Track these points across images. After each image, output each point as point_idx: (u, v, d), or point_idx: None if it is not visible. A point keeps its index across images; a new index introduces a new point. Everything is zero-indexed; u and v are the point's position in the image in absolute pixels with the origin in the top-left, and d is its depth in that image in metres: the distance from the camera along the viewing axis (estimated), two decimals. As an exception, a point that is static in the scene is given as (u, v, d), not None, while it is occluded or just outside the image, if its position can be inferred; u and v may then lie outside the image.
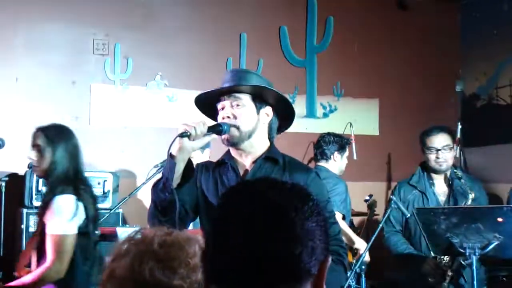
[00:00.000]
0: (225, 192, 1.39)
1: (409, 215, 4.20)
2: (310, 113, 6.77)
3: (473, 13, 7.06)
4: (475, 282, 3.70)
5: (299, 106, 6.56)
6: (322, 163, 5.13)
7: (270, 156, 2.76)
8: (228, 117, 2.70)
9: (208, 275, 1.32)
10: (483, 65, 6.91)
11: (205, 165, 2.85)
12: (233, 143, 2.72)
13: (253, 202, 1.29)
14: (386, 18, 7.05)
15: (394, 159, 6.92)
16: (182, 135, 2.56)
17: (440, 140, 4.45)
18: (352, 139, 6.10)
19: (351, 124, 6.46)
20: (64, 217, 3.41)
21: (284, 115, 2.86)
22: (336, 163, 5.14)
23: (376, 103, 7.03)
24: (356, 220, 6.21)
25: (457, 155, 6.21)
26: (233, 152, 2.80)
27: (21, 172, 5.29)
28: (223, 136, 2.70)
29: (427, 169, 4.54)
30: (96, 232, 3.72)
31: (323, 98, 6.85)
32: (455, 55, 7.22)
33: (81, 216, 3.50)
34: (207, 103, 2.82)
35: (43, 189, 4.47)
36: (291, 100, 2.81)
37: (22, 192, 5.14)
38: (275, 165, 2.76)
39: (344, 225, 4.82)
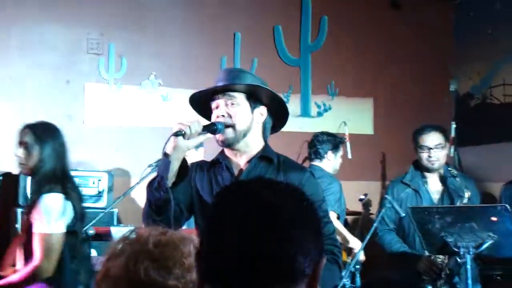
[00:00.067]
0: (219, 192, 1.39)
1: (403, 214, 4.21)
2: (305, 112, 6.78)
3: (467, 12, 7.07)
4: (469, 281, 3.71)
5: (293, 105, 6.56)
6: (316, 163, 5.13)
7: (265, 156, 2.76)
8: (223, 115, 2.69)
9: (202, 274, 1.31)
10: (477, 65, 6.92)
11: (200, 165, 2.85)
12: (228, 143, 2.71)
13: (248, 202, 1.28)
14: (380, 17, 7.06)
15: (389, 158, 6.93)
16: (177, 134, 2.55)
17: (432, 138, 4.46)
18: (346, 138, 6.11)
19: (345, 123, 6.47)
20: (52, 216, 3.41)
21: (278, 115, 2.85)
22: (330, 162, 5.14)
23: (370, 102, 7.04)
24: (351, 219, 6.21)
25: (452, 154, 6.23)
26: (228, 151, 2.80)
27: (15, 171, 5.28)
28: (217, 137, 2.70)
29: (420, 168, 4.55)
30: (91, 232, 3.71)
31: (318, 97, 6.85)
32: (449, 55, 7.23)
33: (69, 214, 3.49)
34: (202, 102, 2.82)
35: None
36: (285, 99, 2.81)
37: (16, 192, 5.13)
38: (269, 164, 2.76)
39: (338, 224, 4.82)
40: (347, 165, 5.79)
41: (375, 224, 4.18)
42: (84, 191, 5.14)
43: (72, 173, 5.18)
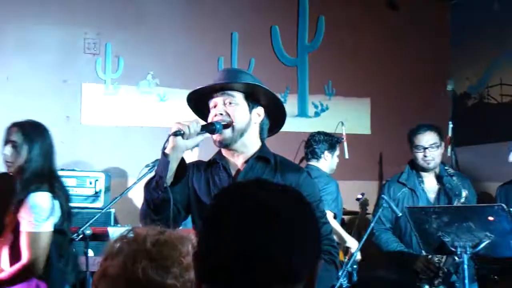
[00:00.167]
0: (217, 193, 1.39)
1: (400, 214, 4.21)
2: (302, 113, 6.78)
3: (463, 12, 7.08)
4: (466, 281, 3.72)
5: (291, 105, 6.57)
6: (313, 162, 5.13)
7: (262, 156, 2.76)
8: (221, 114, 2.69)
9: (199, 274, 1.31)
10: (474, 65, 6.93)
11: (197, 165, 2.85)
12: (226, 144, 2.71)
13: (245, 203, 1.29)
14: (377, 17, 7.06)
15: (386, 158, 6.94)
16: (175, 134, 2.55)
17: (427, 138, 4.46)
18: (343, 138, 6.11)
19: (342, 123, 6.47)
20: (40, 215, 3.40)
21: (276, 116, 2.85)
22: (327, 162, 5.14)
23: (367, 102, 7.04)
24: (348, 218, 6.22)
25: (448, 154, 6.23)
26: (225, 152, 2.79)
27: (12, 171, 5.27)
28: (214, 137, 2.69)
29: (416, 167, 4.56)
30: (88, 232, 3.71)
31: (315, 97, 6.86)
32: (446, 54, 7.24)
33: (57, 213, 3.48)
34: (199, 102, 2.81)
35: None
36: (282, 100, 2.81)
37: (12, 191, 5.11)
38: (267, 165, 2.75)
39: (335, 224, 4.82)
40: (344, 165, 5.79)
41: (372, 224, 4.19)
42: (81, 191, 5.16)
43: (69, 173, 5.23)
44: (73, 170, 5.39)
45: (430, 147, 4.44)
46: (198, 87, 2.76)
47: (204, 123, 2.70)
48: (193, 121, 2.59)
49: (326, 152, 5.13)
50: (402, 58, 7.08)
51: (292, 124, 6.40)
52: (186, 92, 2.82)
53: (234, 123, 2.68)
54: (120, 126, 6.13)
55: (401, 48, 7.09)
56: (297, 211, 1.30)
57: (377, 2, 7.10)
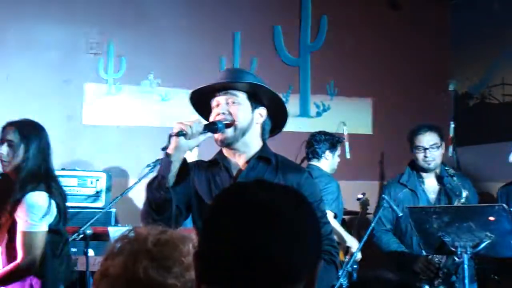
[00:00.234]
0: (217, 194, 1.39)
1: (401, 214, 4.21)
2: (304, 112, 6.78)
3: (464, 12, 7.08)
4: (466, 280, 3.71)
5: (293, 105, 6.57)
6: (314, 162, 5.13)
7: (263, 156, 2.76)
8: (223, 113, 2.69)
9: (199, 275, 1.32)
10: (475, 64, 6.92)
11: (198, 164, 2.85)
12: (228, 143, 2.71)
13: (245, 204, 1.29)
14: (379, 17, 7.06)
15: (387, 158, 6.93)
16: (178, 134, 2.55)
17: (427, 139, 4.46)
18: (344, 138, 6.11)
19: (344, 123, 6.47)
20: (37, 214, 3.39)
21: (277, 117, 2.86)
22: (328, 162, 5.14)
23: (369, 103, 7.04)
24: (348, 218, 6.22)
25: (450, 154, 6.22)
26: (226, 151, 2.79)
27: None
28: (216, 136, 2.69)
29: (416, 168, 4.55)
30: (89, 231, 3.71)
31: (317, 97, 6.86)
32: (447, 55, 7.24)
33: (53, 213, 3.48)
34: (201, 101, 2.81)
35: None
36: (284, 99, 2.82)
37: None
38: (268, 165, 2.76)
39: (335, 224, 4.82)
40: (346, 165, 5.80)
41: (372, 224, 4.19)
42: (82, 191, 5.16)
43: (70, 172, 5.24)
44: (74, 169, 5.40)
45: (431, 148, 4.44)
46: (201, 86, 2.76)
47: (206, 122, 2.70)
48: (195, 121, 2.60)
49: (327, 152, 5.13)
50: (403, 58, 7.07)
51: (294, 124, 6.40)
52: (188, 92, 2.82)
53: (236, 123, 2.68)
54: (121, 126, 6.14)
55: (403, 48, 7.09)
56: (297, 211, 1.30)
57: (379, 3, 7.10)
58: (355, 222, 5.83)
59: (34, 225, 3.39)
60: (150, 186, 2.62)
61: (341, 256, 4.76)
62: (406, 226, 4.39)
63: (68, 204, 4.93)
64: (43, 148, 3.55)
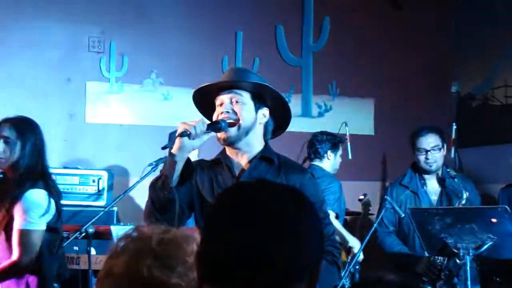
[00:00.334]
0: (219, 193, 1.39)
1: (403, 215, 4.21)
2: (306, 113, 6.78)
3: (467, 13, 7.07)
4: (468, 282, 3.71)
5: (295, 105, 6.56)
6: (316, 162, 5.13)
7: (266, 156, 2.76)
8: (228, 112, 2.69)
9: (201, 274, 1.32)
10: (478, 66, 6.92)
11: (200, 164, 2.85)
12: (230, 142, 2.71)
13: (247, 204, 1.29)
14: (382, 18, 7.05)
15: (389, 159, 6.93)
16: (182, 135, 2.55)
17: (429, 141, 4.46)
18: (347, 139, 6.10)
19: (346, 124, 6.46)
20: (36, 212, 3.39)
21: (280, 119, 2.86)
22: (330, 162, 5.14)
23: (371, 103, 7.04)
24: (350, 219, 6.21)
25: (452, 156, 6.22)
26: (229, 151, 2.80)
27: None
28: (219, 135, 2.70)
29: (418, 170, 4.55)
30: (91, 230, 3.70)
31: (319, 97, 6.85)
32: (450, 56, 7.23)
33: (52, 211, 3.47)
34: (205, 99, 2.82)
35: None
36: (286, 99, 2.82)
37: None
38: (270, 165, 2.76)
39: (337, 224, 4.82)
40: (348, 166, 5.79)
41: (375, 225, 4.18)
42: (84, 189, 5.16)
43: (72, 171, 5.24)
44: (76, 168, 5.40)
45: (432, 150, 4.44)
46: (205, 84, 2.76)
47: (209, 122, 2.70)
48: (199, 121, 2.60)
49: (329, 152, 5.13)
50: (405, 59, 7.07)
51: (296, 124, 6.35)
52: (190, 91, 2.82)
53: (240, 122, 2.69)
54: (124, 124, 6.14)
55: (405, 49, 7.08)
56: (299, 211, 1.30)
57: (382, 3, 7.09)
58: (357, 223, 5.83)
59: (33, 223, 3.38)
60: (153, 186, 2.63)
61: (343, 256, 4.75)
62: (408, 228, 4.39)
63: (70, 202, 4.97)
64: (38, 145, 3.54)
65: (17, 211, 3.39)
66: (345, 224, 5.50)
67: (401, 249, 4.44)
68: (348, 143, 6.18)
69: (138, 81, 6.21)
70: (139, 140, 6.09)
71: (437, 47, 7.17)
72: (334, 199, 4.88)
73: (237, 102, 2.71)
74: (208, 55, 6.36)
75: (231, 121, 2.68)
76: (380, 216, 4.25)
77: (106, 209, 4.16)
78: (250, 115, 2.72)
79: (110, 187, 5.29)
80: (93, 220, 3.78)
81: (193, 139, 2.57)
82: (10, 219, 3.42)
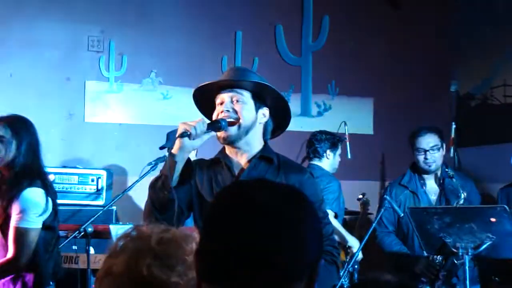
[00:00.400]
0: (218, 192, 1.39)
1: (402, 214, 4.21)
2: (305, 112, 6.78)
3: (466, 12, 7.06)
4: (467, 282, 3.71)
5: (294, 104, 6.55)
6: (315, 162, 5.13)
7: (265, 156, 2.76)
8: (228, 110, 2.70)
9: (199, 273, 1.32)
10: (477, 65, 6.91)
11: (199, 163, 2.85)
12: (230, 141, 2.71)
13: (246, 203, 1.29)
14: (381, 17, 7.05)
15: (388, 158, 6.93)
16: (182, 135, 2.55)
17: (428, 141, 4.46)
18: (346, 138, 6.11)
19: (345, 123, 6.46)
20: (34, 211, 3.39)
21: (280, 119, 2.86)
22: (329, 161, 5.14)
23: (370, 102, 7.03)
24: (350, 218, 6.21)
25: (451, 155, 6.22)
26: (228, 150, 2.80)
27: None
28: (219, 134, 2.70)
29: (417, 170, 4.55)
30: (90, 229, 3.70)
31: (318, 96, 6.85)
32: (449, 55, 7.23)
33: (50, 210, 3.47)
34: (204, 98, 2.82)
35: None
36: (286, 99, 2.83)
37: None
38: (270, 164, 2.76)
39: (336, 224, 4.82)
40: (347, 165, 5.79)
41: (374, 224, 4.19)
42: (83, 188, 5.15)
43: (72, 170, 5.24)
44: (75, 167, 5.39)
45: (431, 150, 4.44)
46: (206, 82, 2.76)
47: (209, 121, 2.71)
48: (199, 121, 2.60)
49: (328, 151, 5.13)
50: (405, 59, 7.07)
51: (295, 124, 6.32)
52: (189, 91, 2.82)
53: (240, 121, 2.69)
54: (123, 124, 6.14)
55: (405, 49, 7.08)
56: (298, 210, 1.30)
57: (381, 2, 7.09)
58: (356, 222, 5.83)
59: (30, 221, 3.38)
60: (153, 186, 2.63)
61: (342, 256, 4.76)
62: (407, 228, 4.39)
63: (68, 201, 4.97)
64: (34, 144, 3.54)
65: (14, 210, 3.39)
66: (344, 224, 5.50)
67: (400, 249, 4.44)
68: (347, 143, 6.18)
69: (137, 80, 6.21)
70: (138, 139, 6.10)
71: (436, 46, 7.16)
72: (333, 199, 4.88)
73: (237, 101, 2.71)
74: (208, 55, 6.36)
75: (231, 120, 2.68)
76: (379, 216, 4.25)
77: (105, 208, 4.16)
78: (251, 115, 2.73)
79: (109, 186, 5.29)
80: (92, 219, 3.78)
81: (193, 139, 2.57)
82: (7, 218, 3.41)
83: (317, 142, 5.15)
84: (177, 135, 2.56)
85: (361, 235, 4.88)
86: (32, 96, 5.79)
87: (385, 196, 4.36)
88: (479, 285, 4.44)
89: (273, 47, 6.71)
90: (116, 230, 3.69)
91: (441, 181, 4.50)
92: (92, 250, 3.93)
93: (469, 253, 3.68)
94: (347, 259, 4.78)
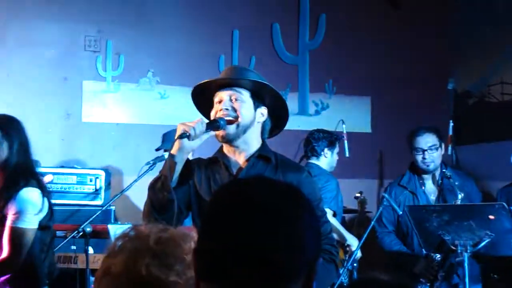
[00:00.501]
0: (216, 190, 1.39)
1: (401, 212, 4.22)
2: (302, 111, 6.78)
3: (464, 11, 7.07)
4: (466, 279, 3.71)
5: (292, 103, 6.55)
6: (313, 160, 5.13)
7: (263, 155, 2.76)
8: (227, 109, 2.69)
9: (198, 272, 1.31)
10: (475, 63, 6.92)
11: (197, 163, 2.85)
12: (229, 139, 2.71)
13: (244, 201, 1.28)
14: (378, 15, 7.05)
15: (386, 157, 6.93)
16: (181, 136, 2.55)
17: (426, 140, 4.46)
18: (344, 137, 6.10)
19: (343, 122, 6.46)
20: (31, 211, 3.37)
21: (278, 119, 2.86)
22: (327, 160, 5.14)
23: (368, 101, 7.03)
24: (348, 217, 6.22)
25: (449, 153, 6.22)
26: (226, 149, 2.80)
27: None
28: (217, 133, 2.69)
29: (416, 170, 4.56)
30: (88, 229, 3.69)
31: (315, 95, 6.85)
32: (447, 53, 7.23)
33: (46, 210, 3.46)
34: (202, 96, 2.82)
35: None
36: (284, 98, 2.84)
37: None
38: (268, 163, 2.76)
39: (335, 222, 4.83)
40: (345, 163, 5.80)
41: (372, 222, 4.19)
42: (82, 188, 5.15)
43: (70, 170, 5.23)
44: (73, 167, 5.39)
45: (429, 149, 4.44)
46: (206, 80, 2.76)
47: (208, 121, 2.70)
48: (198, 122, 2.60)
49: (325, 150, 5.12)
50: (402, 57, 7.06)
51: (293, 122, 6.28)
52: (187, 90, 2.82)
53: (239, 119, 2.68)
54: (120, 123, 6.13)
55: (402, 47, 7.08)
56: (296, 209, 1.30)
57: (378, 1, 7.09)
58: (355, 221, 5.84)
59: (27, 221, 3.37)
60: (153, 187, 2.62)
61: (341, 254, 4.76)
62: (407, 227, 4.40)
63: (67, 202, 4.96)
64: (25, 143, 3.51)
65: (11, 210, 3.37)
66: (343, 222, 5.50)
67: (399, 249, 4.45)
68: (345, 141, 6.19)
69: (134, 80, 6.20)
70: (136, 139, 6.09)
71: (433, 44, 7.16)
72: (331, 197, 4.88)
73: (236, 99, 2.70)
74: (205, 54, 6.36)
75: (230, 118, 2.68)
76: (378, 214, 4.26)
77: (104, 208, 4.16)
78: (249, 113, 2.72)
79: (108, 186, 5.29)
80: (90, 219, 3.78)
81: (192, 140, 2.57)
82: (3, 218, 3.40)
83: (314, 140, 5.14)
84: (176, 136, 2.56)
85: (359, 233, 4.88)
86: (29, 96, 5.79)
87: (383, 193, 4.37)
88: (480, 284, 4.44)
89: (270, 46, 6.71)
90: (115, 230, 3.69)
91: (440, 182, 4.50)
92: (91, 250, 3.92)
93: (468, 251, 3.69)
94: (346, 258, 4.78)
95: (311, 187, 2.74)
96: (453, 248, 3.74)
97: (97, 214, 3.89)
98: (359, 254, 4.58)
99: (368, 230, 4.12)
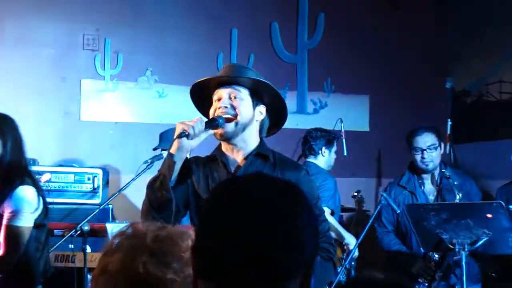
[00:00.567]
0: (214, 188, 1.38)
1: (399, 211, 4.22)
2: (301, 109, 6.78)
3: (463, 10, 7.07)
4: (464, 278, 3.71)
5: (290, 102, 6.56)
6: (311, 159, 5.13)
7: (261, 153, 2.76)
8: (226, 107, 2.69)
9: (195, 270, 1.31)
10: (473, 62, 6.92)
11: (195, 161, 2.85)
12: (227, 137, 2.71)
13: (242, 199, 1.28)
14: (377, 14, 7.06)
15: (384, 155, 6.94)
16: (180, 136, 2.54)
17: (425, 140, 4.46)
18: (342, 135, 6.11)
19: (341, 120, 6.46)
20: (26, 209, 3.37)
21: (276, 117, 2.86)
22: (325, 158, 5.14)
23: (366, 99, 7.04)
24: (346, 216, 6.22)
25: (448, 152, 6.23)
26: (225, 147, 2.79)
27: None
28: (215, 131, 2.69)
29: (416, 169, 4.55)
30: (86, 228, 3.69)
31: (314, 94, 6.86)
32: (445, 52, 7.23)
33: (41, 208, 3.46)
34: (201, 95, 2.81)
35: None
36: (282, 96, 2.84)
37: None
38: (266, 162, 2.76)
39: (333, 221, 4.82)
40: (343, 162, 5.80)
41: (370, 221, 4.19)
42: (80, 187, 5.15)
43: (68, 169, 5.23)
44: (71, 166, 5.39)
45: (428, 149, 4.44)
46: (205, 78, 2.76)
47: (206, 120, 2.70)
48: (197, 121, 2.59)
49: (323, 148, 5.12)
50: (400, 55, 7.07)
51: (291, 121, 6.28)
52: (185, 89, 2.82)
53: (238, 117, 2.68)
54: (119, 122, 6.13)
55: (400, 46, 7.09)
56: (294, 207, 1.29)
57: (377, 0, 7.10)
58: (353, 219, 5.84)
59: (23, 219, 3.37)
60: (151, 186, 2.61)
61: (338, 253, 4.76)
62: (405, 227, 4.40)
63: (65, 200, 4.96)
64: (18, 140, 3.49)
65: (7, 208, 3.36)
66: (341, 221, 5.50)
67: (398, 249, 4.45)
68: (343, 140, 6.19)
69: (133, 78, 6.20)
70: (134, 137, 6.09)
71: (431, 43, 7.17)
72: (329, 196, 4.88)
73: (235, 97, 2.70)
74: (203, 53, 6.36)
75: (229, 116, 2.68)
76: (376, 212, 4.25)
77: (101, 206, 4.16)
78: (248, 111, 2.72)
79: (105, 185, 5.28)
80: (88, 218, 3.78)
81: (191, 139, 2.56)
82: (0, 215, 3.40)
83: (312, 139, 5.14)
84: (175, 136, 2.55)
85: (357, 232, 4.88)
86: (27, 95, 5.78)
87: (381, 192, 4.37)
88: (480, 283, 4.44)
89: (269, 45, 6.71)
90: (113, 228, 3.69)
91: (438, 182, 4.50)
92: (88, 249, 3.92)
93: (466, 249, 3.68)
94: (344, 256, 4.78)
95: (309, 186, 2.74)
96: (451, 246, 3.74)
97: (95, 212, 3.88)
98: (356, 253, 4.58)
99: (366, 229, 4.12)
